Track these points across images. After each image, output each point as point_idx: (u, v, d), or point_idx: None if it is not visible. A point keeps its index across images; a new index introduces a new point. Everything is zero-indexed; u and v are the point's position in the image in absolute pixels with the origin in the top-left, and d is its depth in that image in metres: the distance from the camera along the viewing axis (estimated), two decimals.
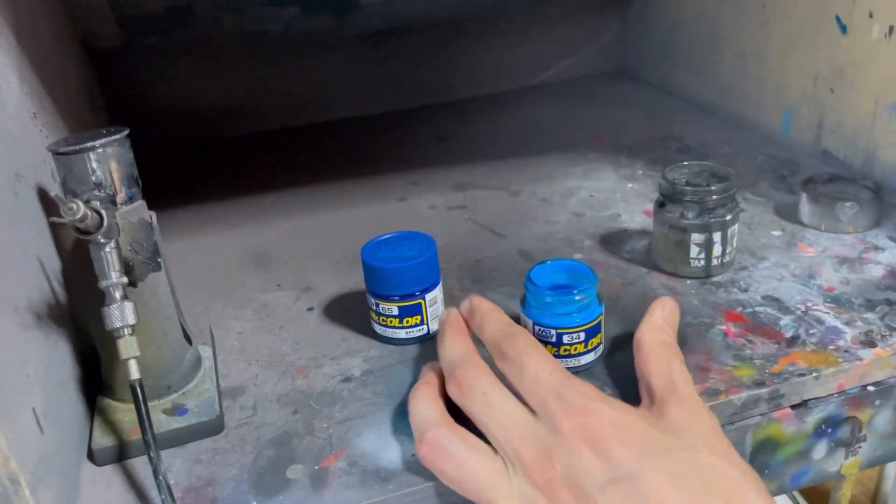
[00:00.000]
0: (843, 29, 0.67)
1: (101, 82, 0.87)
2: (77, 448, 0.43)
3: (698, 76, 0.91)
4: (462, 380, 0.39)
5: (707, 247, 0.53)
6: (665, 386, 0.38)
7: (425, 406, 0.40)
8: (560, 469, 0.34)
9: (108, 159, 0.40)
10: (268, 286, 0.61)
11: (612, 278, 0.57)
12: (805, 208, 0.62)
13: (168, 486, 0.38)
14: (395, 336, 0.51)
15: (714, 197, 0.53)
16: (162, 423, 0.44)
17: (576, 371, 0.46)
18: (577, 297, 0.44)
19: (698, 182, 0.54)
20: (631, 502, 0.32)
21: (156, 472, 0.38)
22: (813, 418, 0.46)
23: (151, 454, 0.38)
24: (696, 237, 0.53)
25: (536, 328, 0.45)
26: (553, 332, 0.45)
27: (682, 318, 0.51)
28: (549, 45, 1.08)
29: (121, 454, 0.43)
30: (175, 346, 0.46)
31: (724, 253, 0.54)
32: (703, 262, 0.54)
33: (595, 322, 0.45)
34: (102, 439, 0.43)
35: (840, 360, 0.46)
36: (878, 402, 0.47)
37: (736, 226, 0.54)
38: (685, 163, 0.57)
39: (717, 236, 0.53)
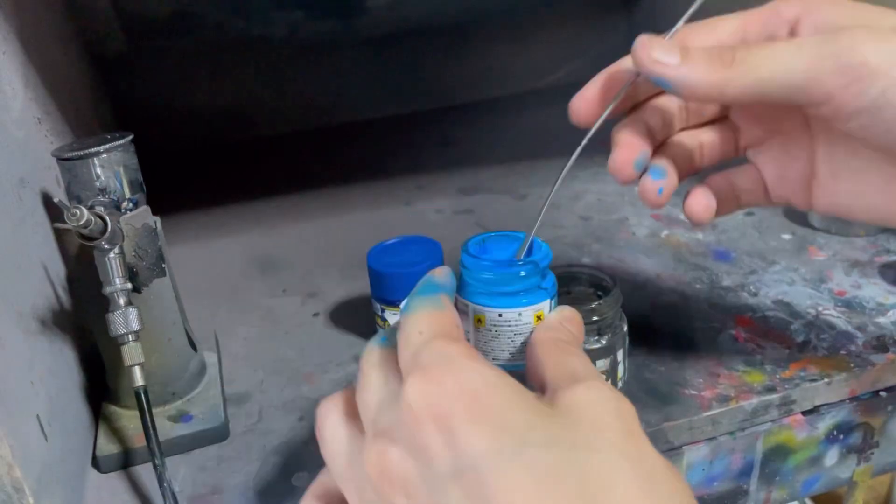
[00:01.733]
0: None
1: (107, 87, 0.88)
2: (82, 455, 0.43)
3: None
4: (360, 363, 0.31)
5: (613, 370, 0.44)
6: (561, 374, 0.29)
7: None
8: (396, 456, 0.25)
9: (113, 165, 0.40)
10: (273, 292, 0.61)
11: (620, 283, 0.56)
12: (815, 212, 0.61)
13: (173, 494, 0.38)
14: None
15: (608, 313, 0.42)
16: (167, 429, 0.44)
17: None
18: (521, 274, 0.36)
19: (576, 293, 0.45)
20: None
21: (160, 480, 0.38)
22: (824, 424, 0.45)
23: (156, 462, 0.38)
24: (602, 364, 0.43)
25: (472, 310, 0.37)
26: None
27: (692, 323, 0.50)
28: (555, 47, 1.07)
29: (125, 461, 0.43)
30: (180, 352, 0.45)
31: (625, 371, 0.45)
32: None
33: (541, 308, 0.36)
34: (107, 446, 0.43)
35: (852, 365, 0.45)
36: (890, 408, 0.46)
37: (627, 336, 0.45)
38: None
39: (619, 355, 0.44)
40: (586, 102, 0.37)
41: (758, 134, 0.38)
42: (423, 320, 0.28)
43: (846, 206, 0.36)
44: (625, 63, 0.37)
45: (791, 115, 0.36)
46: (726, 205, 0.39)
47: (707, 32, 0.36)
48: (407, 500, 0.25)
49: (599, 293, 0.44)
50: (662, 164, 0.37)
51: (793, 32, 0.35)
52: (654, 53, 0.33)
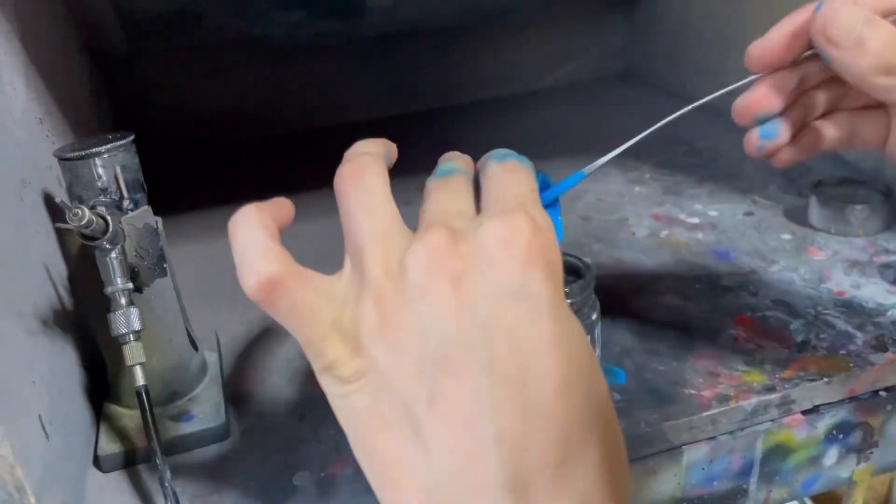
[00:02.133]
0: None
1: (108, 88, 0.88)
2: (83, 455, 0.43)
3: (706, 78, 0.91)
4: (354, 163, 0.32)
5: None
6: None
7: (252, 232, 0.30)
8: (464, 251, 0.25)
9: (114, 165, 0.40)
10: None
11: (620, 282, 0.57)
12: (815, 211, 0.61)
13: (174, 494, 0.38)
14: None
15: (577, 298, 0.42)
16: (168, 429, 0.44)
17: None
18: None
19: None
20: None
21: (162, 480, 0.38)
22: (824, 424, 0.45)
23: (157, 461, 0.38)
24: None
25: None
26: None
27: (692, 323, 0.51)
28: (555, 47, 1.08)
29: (127, 461, 0.43)
30: (181, 351, 0.46)
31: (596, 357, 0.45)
32: None
33: None
34: (108, 446, 0.43)
35: (851, 365, 0.45)
36: (889, 408, 0.46)
37: (600, 323, 0.44)
38: None
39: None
40: (766, 50, 0.37)
41: None
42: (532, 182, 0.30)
43: None
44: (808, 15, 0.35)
45: None
46: (836, 142, 0.39)
47: None
48: (454, 289, 0.24)
49: (571, 279, 0.45)
50: (780, 125, 0.37)
51: None
52: (831, 30, 0.33)
